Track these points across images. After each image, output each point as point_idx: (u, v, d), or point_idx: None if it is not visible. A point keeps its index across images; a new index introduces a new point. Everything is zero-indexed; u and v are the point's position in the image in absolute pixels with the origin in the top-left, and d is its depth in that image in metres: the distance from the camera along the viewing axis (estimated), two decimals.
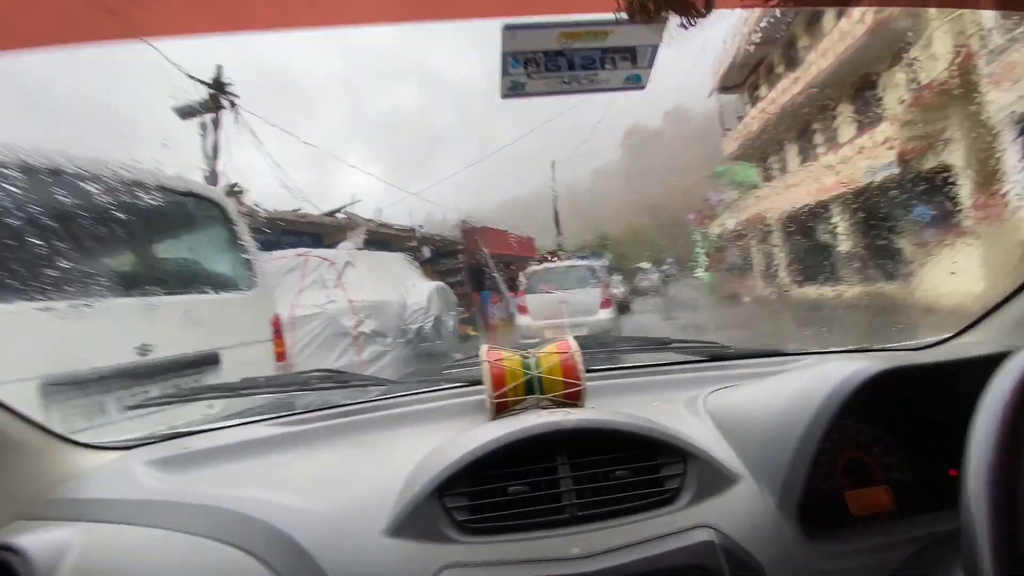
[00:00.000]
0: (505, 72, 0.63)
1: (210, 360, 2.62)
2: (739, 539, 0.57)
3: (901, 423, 0.76)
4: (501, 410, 0.82)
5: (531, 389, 0.82)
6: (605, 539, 0.57)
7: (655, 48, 0.62)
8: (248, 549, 0.59)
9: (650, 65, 0.62)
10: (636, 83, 0.64)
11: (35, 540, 0.60)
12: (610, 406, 0.85)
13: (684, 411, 0.79)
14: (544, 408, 0.82)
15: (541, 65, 0.61)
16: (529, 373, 0.82)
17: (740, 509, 0.60)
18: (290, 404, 1.07)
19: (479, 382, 0.97)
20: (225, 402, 2.52)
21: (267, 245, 4.45)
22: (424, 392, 1.01)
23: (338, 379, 1.03)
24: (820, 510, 0.64)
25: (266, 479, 0.73)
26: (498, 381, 0.81)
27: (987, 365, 0.45)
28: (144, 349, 2.36)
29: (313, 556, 0.57)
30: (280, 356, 3.11)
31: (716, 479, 0.62)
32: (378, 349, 4.10)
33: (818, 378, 0.66)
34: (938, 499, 0.69)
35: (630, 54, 0.62)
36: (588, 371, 0.88)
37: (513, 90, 0.63)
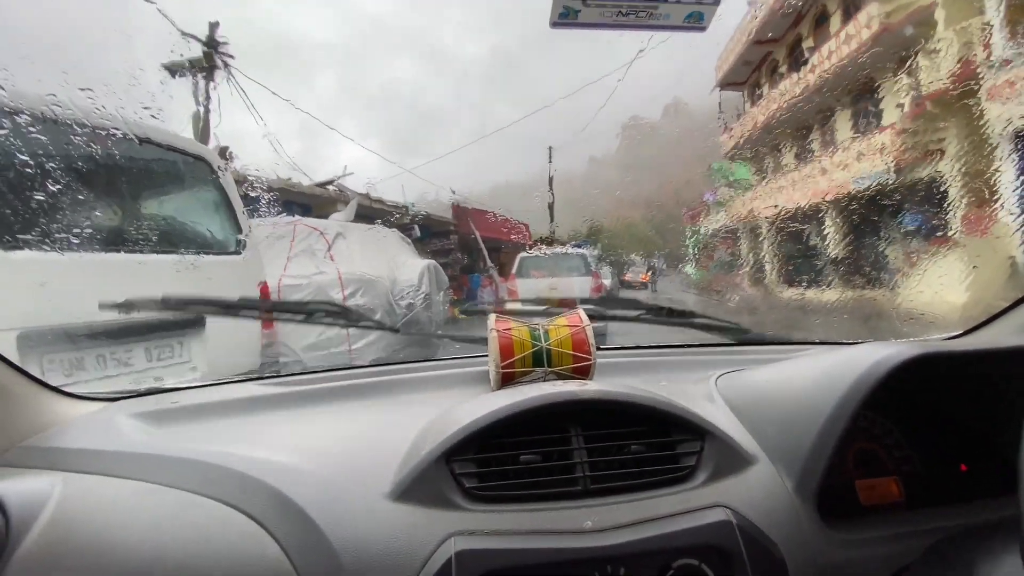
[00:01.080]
0: None
1: (195, 323, 2.56)
2: (756, 521, 0.55)
3: (911, 414, 0.75)
4: (507, 380, 0.79)
5: (539, 361, 0.79)
6: (619, 514, 0.55)
7: None
8: (241, 507, 0.56)
9: (716, 1, 0.58)
10: (697, 23, 0.59)
11: (12, 488, 0.56)
12: (618, 383, 0.83)
13: (695, 391, 0.77)
14: (550, 381, 0.80)
15: None
16: (538, 344, 0.79)
17: (757, 491, 0.59)
18: (280, 368, 1.03)
19: (482, 353, 0.94)
20: (208, 367, 2.45)
21: (256, 212, 4.35)
22: (423, 360, 0.98)
23: (348, 316, 0.98)
24: (831, 497, 0.63)
25: (259, 437, 0.70)
26: (506, 351, 0.78)
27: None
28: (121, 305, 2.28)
29: (311, 517, 0.54)
30: (266, 324, 3.05)
31: (732, 459, 0.61)
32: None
33: (844, 362, 0.64)
34: (947, 493, 0.69)
35: None
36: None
37: (564, 17, 0.58)
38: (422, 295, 4.31)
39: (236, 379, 0.91)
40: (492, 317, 0.83)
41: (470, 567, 0.50)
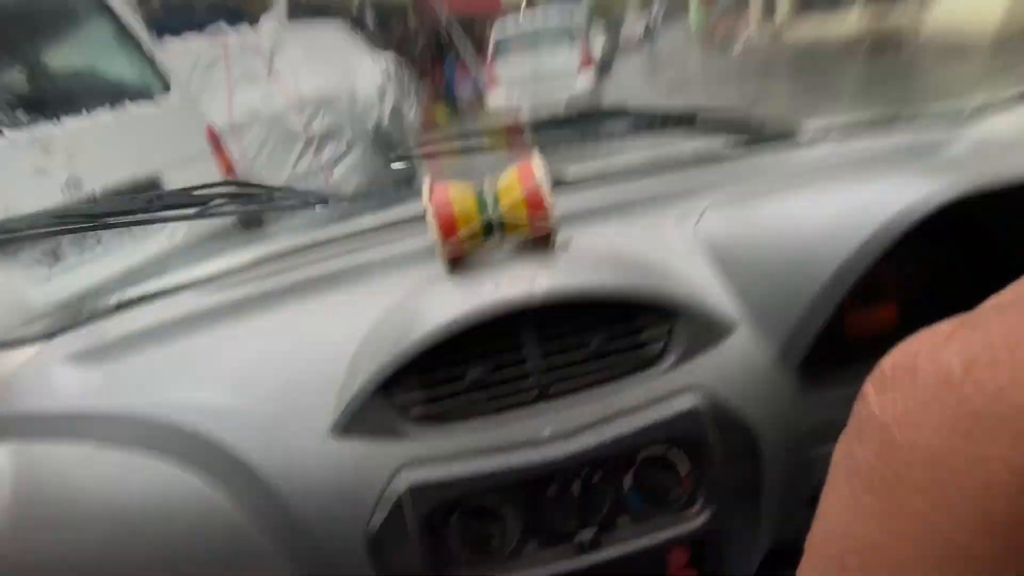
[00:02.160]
0: None
1: (152, 186, 2.37)
2: (729, 398, 0.51)
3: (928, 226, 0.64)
4: (456, 259, 0.69)
5: (490, 231, 0.67)
6: (579, 415, 0.51)
7: None
8: (184, 461, 0.53)
9: None
10: None
11: None
12: (585, 239, 0.72)
13: (674, 240, 0.66)
14: (505, 255, 0.69)
15: None
16: (486, 214, 0.66)
17: (733, 363, 0.53)
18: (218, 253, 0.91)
19: None
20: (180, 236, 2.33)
21: (174, 30, 3.63)
22: (370, 232, 0.87)
23: (255, 196, 0.82)
24: (816, 344, 0.57)
25: (192, 372, 0.64)
26: (447, 228, 0.65)
27: None
28: (72, 184, 2.09)
29: (251, 464, 0.51)
30: (228, 171, 2.82)
31: (708, 332, 0.54)
32: (337, 150, 3.74)
33: (860, 206, 0.52)
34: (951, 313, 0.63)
35: None
36: (556, 183, 0.74)
37: None
38: (388, 108, 3.88)
39: (167, 288, 0.82)
40: (426, 183, 0.68)
41: (425, 500, 0.48)
